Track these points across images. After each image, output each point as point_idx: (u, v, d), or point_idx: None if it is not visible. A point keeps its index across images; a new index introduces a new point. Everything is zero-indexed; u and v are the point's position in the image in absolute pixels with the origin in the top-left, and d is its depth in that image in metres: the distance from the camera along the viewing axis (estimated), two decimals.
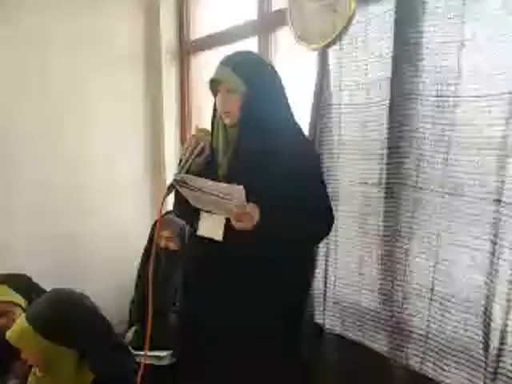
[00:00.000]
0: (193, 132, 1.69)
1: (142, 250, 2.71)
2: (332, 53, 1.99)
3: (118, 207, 3.12)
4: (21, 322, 1.71)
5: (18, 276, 2.37)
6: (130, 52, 3.14)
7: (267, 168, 1.53)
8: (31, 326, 1.67)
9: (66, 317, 1.72)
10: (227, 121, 1.62)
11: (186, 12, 3.16)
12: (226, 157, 1.64)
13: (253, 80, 1.58)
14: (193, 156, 1.60)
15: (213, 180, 1.51)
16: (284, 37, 2.35)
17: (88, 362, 1.71)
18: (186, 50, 3.17)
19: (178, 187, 1.55)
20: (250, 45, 2.51)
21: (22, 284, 2.33)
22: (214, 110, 1.68)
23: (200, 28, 3.11)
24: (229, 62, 1.61)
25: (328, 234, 1.68)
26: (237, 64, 1.60)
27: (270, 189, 1.52)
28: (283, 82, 1.67)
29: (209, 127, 1.70)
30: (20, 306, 2.26)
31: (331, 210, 1.65)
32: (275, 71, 1.68)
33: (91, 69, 2.96)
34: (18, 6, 2.70)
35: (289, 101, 1.67)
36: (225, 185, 1.50)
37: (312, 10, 2.04)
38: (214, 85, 1.64)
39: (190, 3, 3.15)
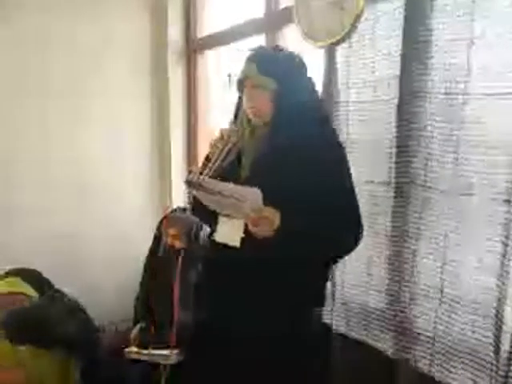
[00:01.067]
0: (217, 133, 1.63)
1: (144, 249, 2.71)
2: (340, 50, 1.97)
3: (121, 207, 3.12)
4: None
5: (30, 270, 2.41)
6: (136, 51, 3.13)
7: (297, 169, 1.47)
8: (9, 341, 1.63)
9: (29, 318, 1.70)
10: (256, 120, 1.58)
11: (193, 10, 3.15)
12: (249, 158, 1.59)
13: (284, 77, 1.54)
14: (223, 154, 1.56)
15: (234, 182, 1.46)
16: (291, 34, 2.34)
17: (74, 362, 1.68)
18: (193, 48, 3.15)
19: (193, 190, 1.51)
20: (257, 43, 2.49)
21: (34, 278, 2.37)
22: (237, 107, 1.65)
23: (207, 26, 3.10)
24: (257, 58, 1.57)
25: (355, 247, 1.58)
26: (265, 60, 1.56)
27: (297, 191, 1.46)
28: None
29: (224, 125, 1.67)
30: (31, 298, 2.30)
31: (360, 220, 1.56)
32: (303, 63, 1.62)
33: (95, 69, 2.95)
34: (17, 5, 2.70)
35: (317, 92, 1.63)
36: (240, 187, 1.46)
37: (319, 8, 2.02)
38: (241, 82, 1.59)
39: (197, 1, 3.14)
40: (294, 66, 1.60)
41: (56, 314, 1.80)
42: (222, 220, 1.61)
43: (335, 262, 1.77)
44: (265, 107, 1.56)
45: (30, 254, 2.71)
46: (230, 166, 1.58)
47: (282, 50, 1.66)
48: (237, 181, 1.49)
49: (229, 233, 1.56)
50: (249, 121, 1.61)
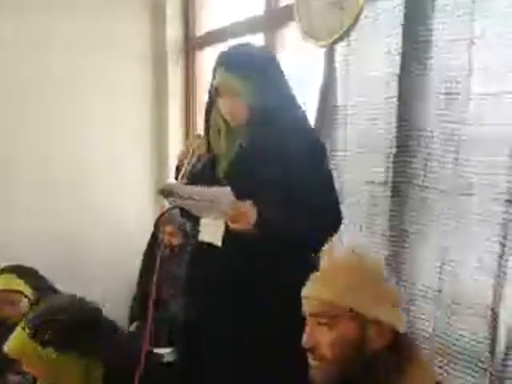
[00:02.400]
0: (190, 140, 1.69)
1: (143, 249, 2.71)
2: (339, 49, 1.97)
3: (120, 206, 3.11)
4: (21, 335, 1.61)
5: (26, 268, 2.40)
6: (135, 49, 3.12)
7: (273, 165, 1.51)
8: (37, 342, 1.60)
9: (72, 324, 1.67)
10: (236, 123, 1.60)
11: (192, 8, 3.14)
12: (226, 159, 1.61)
13: (258, 80, 1.55)
14: (189, 167, 1.61)
15: (212, 181, 1.51)
16: (291, 33, 2.33)
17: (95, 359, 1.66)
18: (192, 46, 3.15)
19: (167, 198, 1.54)
20: (257, 41, 2.49)
21: (30, 276, 2.37)
22: (209, 109, 1.66)
23: (206, 24, 3.09)
24: (231, 65, 1.58)
25: (335, 231, 1.63)
26: (240, 66, 1.57)
27: (274, 186, 1.49)
28: (281, 66, 1.65)
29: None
30: (27, 296, 2.30)
31: (337, 206, 1.60)
32: (274, 59, 1.66)
33: (94, 67, 2.95)
34: (17, 5, 2.70)
35: (289, 83, 1.64)
36: (213, 189, 1.49)
37: (319, 7, 2.02)
38: (216, 89, 1.61)
39: None
40: (264, 63, 1.62)
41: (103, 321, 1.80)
42: (203, 221, 1.63)
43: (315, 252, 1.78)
44: (241, 111, 1.57)
45: (28, 253, 2.69)
46: (202, 170, 1.63)
47: (250, 49, 1.67)
48: (213, 182, 1.53)
49: (211, 232, 1.59)
50: (225, 121, 1.62)
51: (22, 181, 2.81)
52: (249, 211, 1.46)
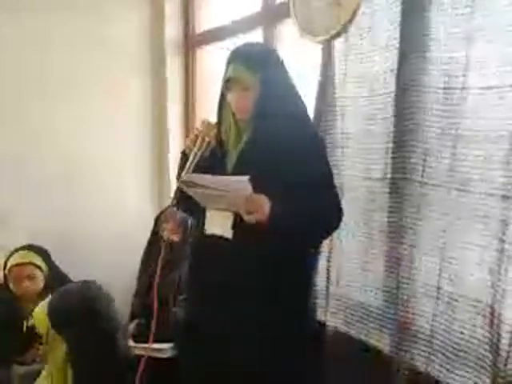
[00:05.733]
0: (198, 126, 1.68)
1: (143, 245, 2.71)
2: (337, 45, 1.96)
3: (119, 206, 3.13)
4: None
5: (39, 247, 2.55)
6: (134, 47, 3.13)
7: (279, 159, 1.52)
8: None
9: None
10: (242, 116, 1.63)
11: (191, 6, 3.15)
12: (235, 151, 1.63)
13: (266, 75, 1.59)
14: (199, 154, 1.60)
15: (220, 174, 1.51)
16: (289, 28, 2.33)
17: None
18: (192, 44, 3.15)
19: (185, 188, 1.55)
20: (255, 37, 2.49)
21: (45, 255, 2.53)
22: (221, 103, 1.68)
23: (205, 22, 3.10)
24: (243, 60, 1.60)
25: (336, 227, 1.66)
26: (251, 61, 1.60)
27: (282, 181, 1.51)
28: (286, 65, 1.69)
29: (214, 119, 1.70)
30: (43, 272, 2.47)
31: (338, 202, 1.64)
32: (279, 57, 1.69)
33: (93, 66, 2.95)
34: (18, 6, 2.71)
35: (293, 82, 1.68)
36: (230, 177, 1.50)
37: (316, 4, 2.01)
38: (228, 82, 1.63)
39: None
40: (275, 61, 1.66)
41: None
42: (210, 213, 1.63)
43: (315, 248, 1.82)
44: (250, 105, 1.60)
45: None
46: (213, 158, 1.63)
47: (263, 46, 1.74)
48: (223, 172, 1.55)
49: (220, 224, 1.59)
50: (233, 114, 1.65)
51: (20, 180, 2.82)
52: (265, 204, 1.48)
